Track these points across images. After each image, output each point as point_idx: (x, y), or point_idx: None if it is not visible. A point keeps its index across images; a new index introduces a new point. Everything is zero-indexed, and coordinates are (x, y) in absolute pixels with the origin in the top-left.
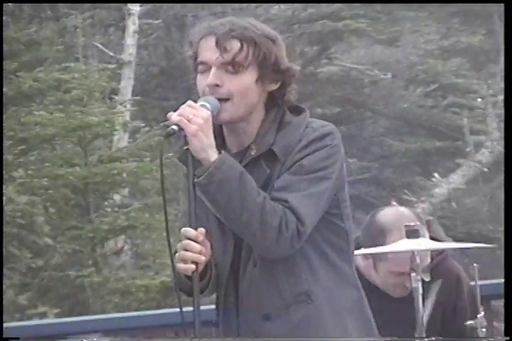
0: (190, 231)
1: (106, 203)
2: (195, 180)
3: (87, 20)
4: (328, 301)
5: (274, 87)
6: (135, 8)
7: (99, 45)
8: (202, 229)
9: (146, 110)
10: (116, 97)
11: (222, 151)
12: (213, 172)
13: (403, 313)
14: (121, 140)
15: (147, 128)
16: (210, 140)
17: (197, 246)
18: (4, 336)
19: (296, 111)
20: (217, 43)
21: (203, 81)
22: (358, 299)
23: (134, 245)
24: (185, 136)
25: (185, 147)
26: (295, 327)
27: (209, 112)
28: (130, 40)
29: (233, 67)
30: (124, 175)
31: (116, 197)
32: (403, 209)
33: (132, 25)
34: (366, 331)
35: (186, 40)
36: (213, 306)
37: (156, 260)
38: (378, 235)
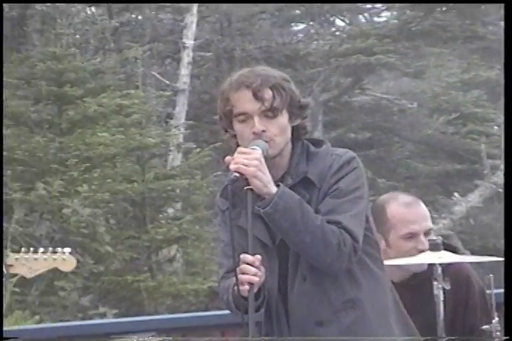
0: (248, 257)
1: (161, 216)
2: (261, 211)
3: (146, 52)
4: (372, 305)
5: (298, 121)
6: (189, 42)
7: (157, 75)
8: (258, 256)
9: (197, 133)
10: (171, 121)
11: (280, 184)
12: (277, 202)
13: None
14: (175, 159)
15: (198, 149)
16: (268, 176)
17: (252, 269)
18: (66, 334)
19: (318, 143)
20: (255, 95)
21: (246, 129)
22: (394, 299)
23: (185, 253)
24: (247, 179)
25: (247, 187)
26: (346, 330)
27: (260, 151)
28: (184, 71)
29: (272, 112)
30: (177, 190)
31: (170, 211)
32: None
33: (186, 57)
34: (406, 326)
35: (220, 96)
36: None
37: (204, 267)
38: (379, 211)
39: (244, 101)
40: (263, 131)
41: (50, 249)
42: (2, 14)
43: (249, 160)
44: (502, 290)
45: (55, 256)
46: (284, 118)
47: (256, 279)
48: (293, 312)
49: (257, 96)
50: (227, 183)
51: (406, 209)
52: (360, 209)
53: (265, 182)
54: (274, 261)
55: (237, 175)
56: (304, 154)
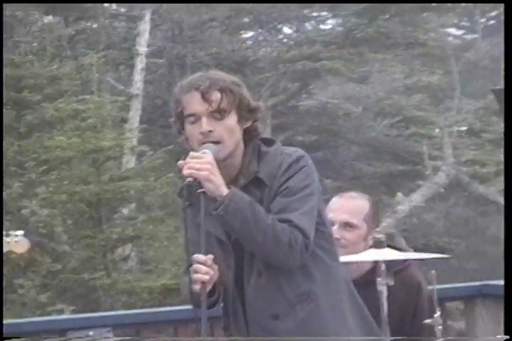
0: (200, 257)
1: (116, 216)
2: (214, 212)
3: (101, 59)
4: (326, 297)
5: (249, 123)
6: (142, 49)
7: (112, 80)
8: (210, 256)
9: (151, 136)
10: (125, 125)
11: (231, 186)
12: (228, 204)
13: None
14: (129, 162)
15: (152, 152)
16: (220, 179)
17: (203, 268)
18: (25, 329)
19: (269, 142)
20: (203, 97)
21: (195, 129)
22: (350, 291)
23: (140, 252)
24: (200, 182)
25: (199, 190)
26: (301, 323)
27: (211, 155)
28: (138, 76)
29: (219, 113)
30: (132, 192)
31: (125, 211)
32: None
33: (140, 63)
34: (362, 317)
35: (173, 98)
36: None
37: (158, 265)
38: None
39: (193, 103)
40: (210, 131)
41: (4, 232)
42: (2, 14)
43: (201, 164)
44: (444, 286)
45: (8, 239)
46: (232, 120)
47: (207, 278)
48: (250, 306)
49: (204, 98)
50: (183, 187)
51: (336, 198)
52: (310, 206)
53: (217, 184)
54: (231, 257)
55: (191, 179)
56: (256, 154)
